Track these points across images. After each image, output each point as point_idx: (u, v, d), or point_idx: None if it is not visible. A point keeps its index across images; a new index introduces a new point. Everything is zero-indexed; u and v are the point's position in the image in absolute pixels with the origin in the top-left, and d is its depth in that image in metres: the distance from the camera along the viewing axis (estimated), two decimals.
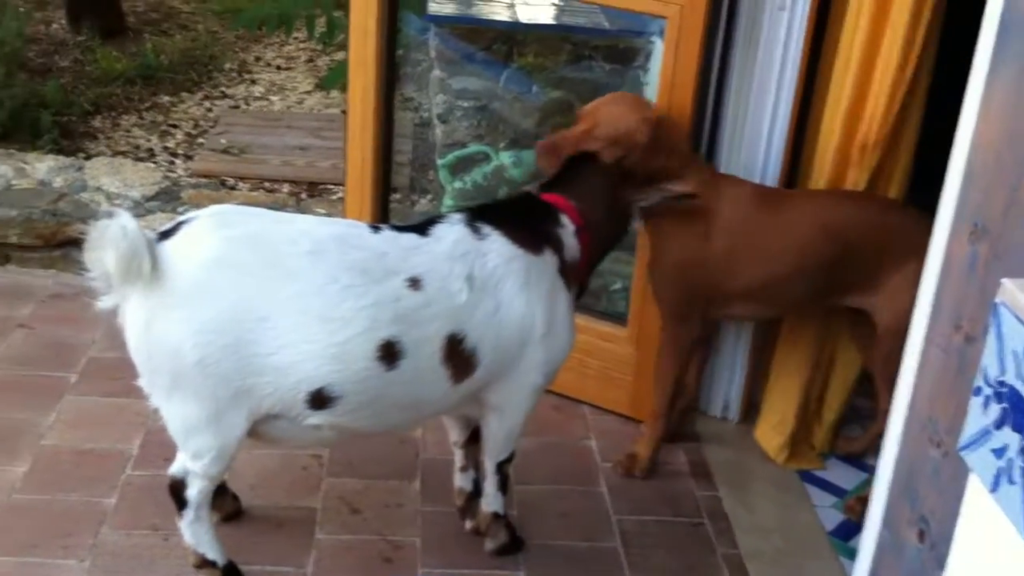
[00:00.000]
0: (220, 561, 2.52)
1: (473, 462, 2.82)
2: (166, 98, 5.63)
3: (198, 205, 3.97)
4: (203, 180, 4.64)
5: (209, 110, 5.55)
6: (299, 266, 2.26)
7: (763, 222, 2.87)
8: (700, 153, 3.02)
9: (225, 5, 6.88)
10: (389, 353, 2.30)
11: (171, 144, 5.14)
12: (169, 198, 4.24)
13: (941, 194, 1.82)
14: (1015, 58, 1.63)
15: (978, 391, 1.44)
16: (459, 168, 4.28)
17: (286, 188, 4.70)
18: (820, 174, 2.99)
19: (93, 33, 6.07)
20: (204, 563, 2.52)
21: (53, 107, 5.10)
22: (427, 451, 3.14)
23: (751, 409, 3.40)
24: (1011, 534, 1.34)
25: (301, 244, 2.28)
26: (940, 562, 1.66)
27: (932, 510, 1.76)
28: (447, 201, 4.17)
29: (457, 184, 4.22)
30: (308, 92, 5.87)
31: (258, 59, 6.30)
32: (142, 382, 2.35)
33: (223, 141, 5.05)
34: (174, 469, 2.45)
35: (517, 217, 2.55)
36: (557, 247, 2.54)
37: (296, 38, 6.51)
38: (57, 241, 3.96)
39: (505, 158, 4.25)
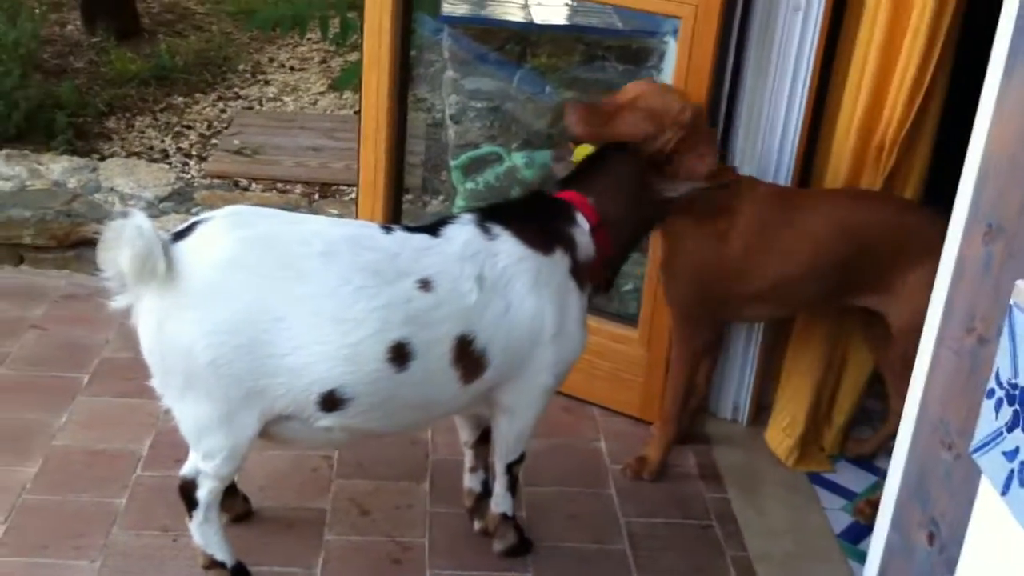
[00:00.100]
0: (229, 562, 2.53)
1: (483, 463, 2.82)
2: (180, 99, 5.64)
3: (211, 206, 3.99)
4: (216, 181, 4.65)
5: (223, 111, 5.56)
6: (312, 267, 2.26)
7: (780, 221, 2.85)
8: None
9: (239, 6, 6.89)
10: (400, 355, 2.29)
11: (185, 145, 5.15)
12: (182, 199, 4.26)
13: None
14: None
15: (991, 393, 1.44)
16: (471, 169, 4.28)
17: (299, 189, 4.70)
18: (835, 175, 2.98)
19: (108, 34, 6.08)
20: (213, 564, 2.53)
21: (68, 108, 5.11)
22: (437, 452, 3.14)
23: (761, 411, 3.39)
24: (1022, 538, 1.33)
25: (314, 245, 2.28)
26: (950, 566, 1.65)
27: (943, 513, 1.75)
28: (459, 202, 4.17)
29: (469, 185, 4.22)
30: (321, 93, 5.87)
31: (272, 60, 6.31)
32: (155, 382, 2.36)
33: (236, 142, 5.05)
34: (185, 470, 2.46)
35: (528, 217, 2.54)
36: (569, 246, 2.52)
37: (310, 39, 6.52)
38: (71, 242, 3.98)
39: (518, 159, 4.24)
